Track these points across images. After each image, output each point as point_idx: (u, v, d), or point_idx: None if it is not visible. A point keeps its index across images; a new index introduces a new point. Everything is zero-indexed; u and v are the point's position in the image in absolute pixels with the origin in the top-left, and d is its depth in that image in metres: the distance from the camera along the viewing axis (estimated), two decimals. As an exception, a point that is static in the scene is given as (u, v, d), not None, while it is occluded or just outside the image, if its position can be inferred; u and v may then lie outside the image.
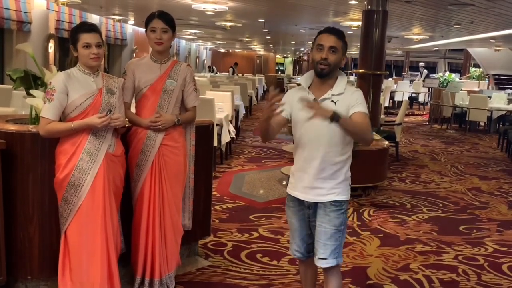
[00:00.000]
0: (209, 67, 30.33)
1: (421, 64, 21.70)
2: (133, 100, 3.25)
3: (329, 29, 2.57)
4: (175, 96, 3.17)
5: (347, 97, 2.53)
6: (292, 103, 2.59)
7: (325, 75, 2.54)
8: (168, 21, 3.11)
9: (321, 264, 2.61)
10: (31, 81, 3.16)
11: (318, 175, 2.56)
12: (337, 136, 2.51)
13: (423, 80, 17.85)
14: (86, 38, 2.80)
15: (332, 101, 2.53)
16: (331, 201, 2.57)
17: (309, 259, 2.77)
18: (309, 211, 2.64)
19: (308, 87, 2.61)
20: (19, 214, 2.97)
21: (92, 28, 2.84)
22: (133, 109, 3.25)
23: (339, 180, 2.59)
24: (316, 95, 2.56)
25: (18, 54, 9.35)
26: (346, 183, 2.63)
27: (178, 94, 3.19)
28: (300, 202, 2.66)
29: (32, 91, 3.09)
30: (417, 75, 21.78)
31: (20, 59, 9.22)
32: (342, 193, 2.60)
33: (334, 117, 2.31)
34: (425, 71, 20.18)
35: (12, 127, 2.99)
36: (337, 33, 2.54)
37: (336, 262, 2.60)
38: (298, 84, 3.08)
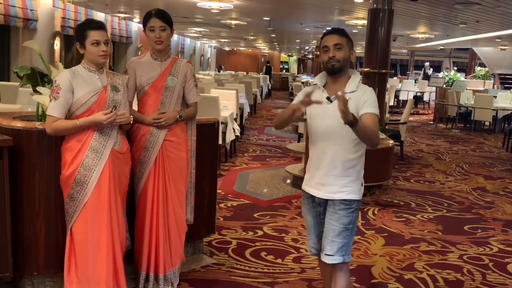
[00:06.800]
0: (220, 66, 30.61)
1: (426, 64, 21.71)
2: (135, 98, 3.27)
3: (330, 30, 2.66)
4: (176, 93, 3.20)
5: (358, 95, 2.55)
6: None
7: (337, 71, 2.58)
8: (166, 19, 3.15)
9: (327, 260, 2.62)
10: (38, 78, 3.17)
11: (329, 172, 2.58)
12: (348, 134, 2.46)
13: (428, 79, 17.81)
14: (95, 35, 2.81)
15: None
16: (341, 200, 2.58)
17: None
18: (319, 208, 2.67)
19: (323, 87, 2.65)
20: (25, 211, 2.99)
21: (100, 26, 2.86)
22: (135, 107, 3.27)
23: (351, 179, 2.59)
24: (330, 94, 2.58)
25: (24, 51, 9.38)
26: (358, 182, 2.62)
27: (179, 90, 3.22)
28: (313, 199, 2.69)
29: (38, 88, 3.10)
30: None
31: (26, 56, 9.26)
32: (353, 192, 2.59)
33: (353, 123, 2.28)
34: (428, 71, 20.14)
35: (19, 124, 3.00)
36: (338, 31, 2.62)
37: (342, 259, 2.61)
38: (306, 83, 3.08)
